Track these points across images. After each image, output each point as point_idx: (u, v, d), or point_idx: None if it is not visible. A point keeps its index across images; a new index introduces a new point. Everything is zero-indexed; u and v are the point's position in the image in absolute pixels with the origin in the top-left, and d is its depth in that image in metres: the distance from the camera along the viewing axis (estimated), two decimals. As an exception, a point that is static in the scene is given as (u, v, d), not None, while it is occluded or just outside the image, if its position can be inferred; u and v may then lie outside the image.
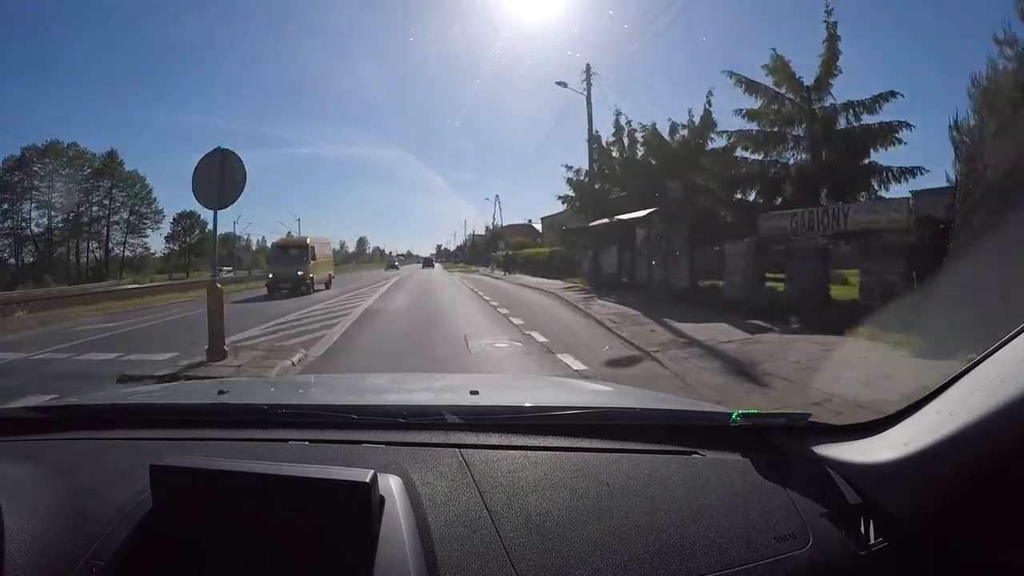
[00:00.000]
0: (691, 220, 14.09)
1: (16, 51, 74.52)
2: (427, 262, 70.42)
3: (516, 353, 7.55)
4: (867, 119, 12.44)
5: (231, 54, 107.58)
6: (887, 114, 12.32)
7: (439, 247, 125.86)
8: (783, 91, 13.23)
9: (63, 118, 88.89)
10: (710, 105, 17.92)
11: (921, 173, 11.94)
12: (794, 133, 13.25)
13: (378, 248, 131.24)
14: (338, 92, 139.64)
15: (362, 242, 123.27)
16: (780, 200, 13.21)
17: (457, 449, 1.03)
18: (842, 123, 12.71)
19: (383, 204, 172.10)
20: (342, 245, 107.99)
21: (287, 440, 1.12)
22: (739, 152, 14.23)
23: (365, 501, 0.78)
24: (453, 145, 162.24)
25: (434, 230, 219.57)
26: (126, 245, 62.13)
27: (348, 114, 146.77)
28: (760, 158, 13.65)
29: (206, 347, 7.14)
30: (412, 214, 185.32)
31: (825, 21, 12.60)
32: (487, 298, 16.11)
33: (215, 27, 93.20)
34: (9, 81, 68.61)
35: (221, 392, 1.44)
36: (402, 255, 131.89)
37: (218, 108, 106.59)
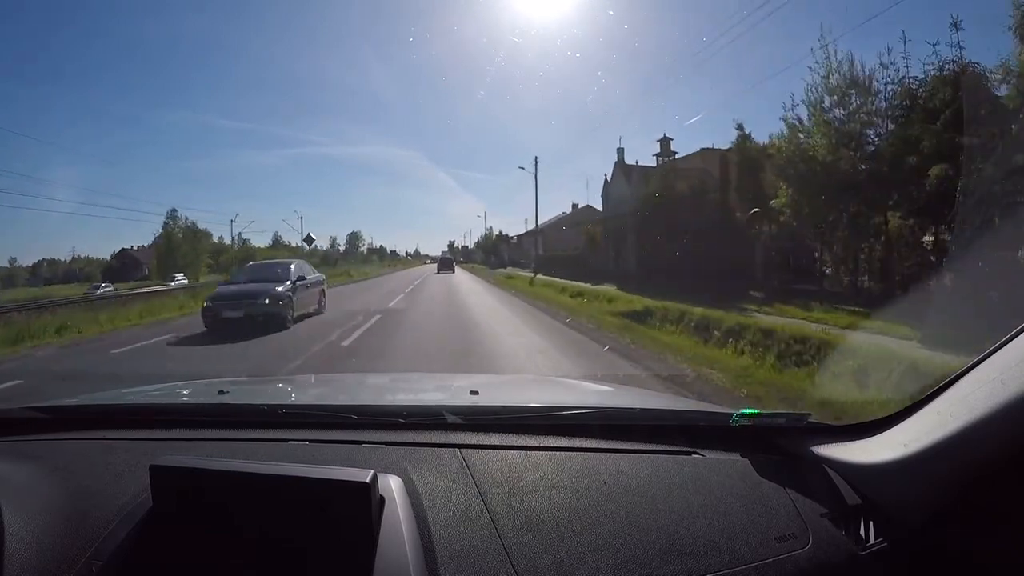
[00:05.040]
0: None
1: (25, 52, 74.67)
2: (444, 263, 43.95)
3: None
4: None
5: (241, 56, 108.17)
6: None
7: (451, 243, 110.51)
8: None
9: (72, 119, 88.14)
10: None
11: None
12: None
13: (379, 246, 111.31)
14: (343, 91, 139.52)
15: (354, 238, 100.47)
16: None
17: (457, 449, 1.03)
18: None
19: (388, 201, 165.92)
20: (333, 243, 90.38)
21: (287, 440, 1.12)
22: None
23: (365, 501, 0.78)
24: (462, 143, 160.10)
25: (443, 227, 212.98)
26: None
27: (353, 113, 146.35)
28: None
29: None
30: (419, 211, 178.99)
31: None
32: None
33: (226, 29, 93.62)
34: (17, 82, 68.55)
35: (221, 392, 1.44)
36: (410, 255, 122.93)
37: (229, 110, 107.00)
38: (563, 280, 23.01)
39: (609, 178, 30.58)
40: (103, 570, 0.80)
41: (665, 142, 27.81)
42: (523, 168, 33.72)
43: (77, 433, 1.24)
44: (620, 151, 30.46)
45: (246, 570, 0.79)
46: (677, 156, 26.21)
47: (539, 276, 27.80)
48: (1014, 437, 0.72)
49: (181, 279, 41.98)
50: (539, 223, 35.31)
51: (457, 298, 16.99)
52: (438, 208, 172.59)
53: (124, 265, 55.69)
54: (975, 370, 0.81)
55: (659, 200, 19.98)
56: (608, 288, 18.05)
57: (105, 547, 0.83)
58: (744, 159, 17.69)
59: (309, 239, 33.36)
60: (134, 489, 0.92)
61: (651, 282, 17.41)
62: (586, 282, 20.97)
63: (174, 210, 48.11)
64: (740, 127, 18.30)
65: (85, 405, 1.44)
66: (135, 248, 58.90)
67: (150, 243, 52.93)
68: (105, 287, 39.46)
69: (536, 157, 33.80)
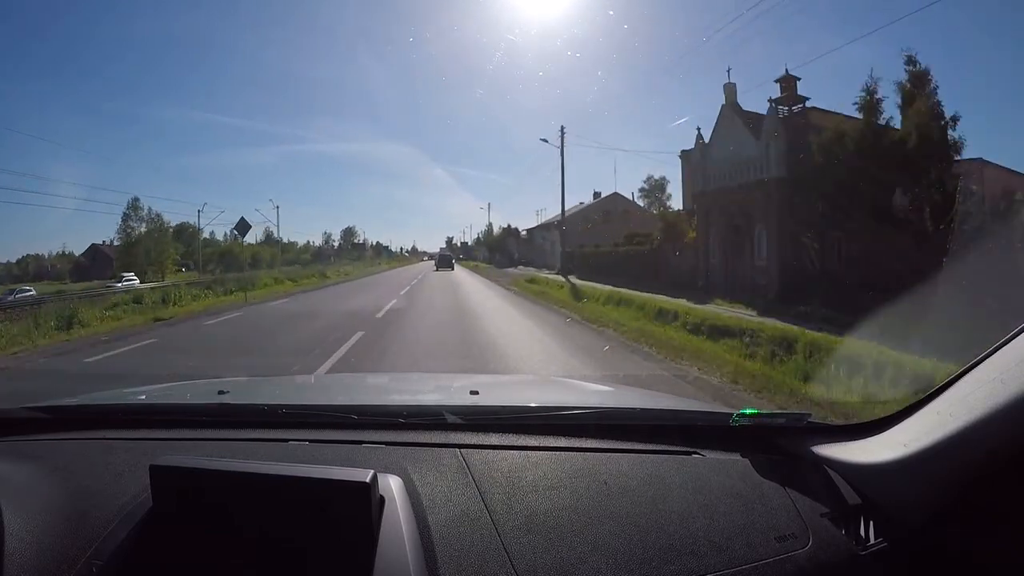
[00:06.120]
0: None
1: (21, 48, 74.13)
2: (443, 260, 42.32)
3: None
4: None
5: (237, 53, 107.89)
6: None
7: (449, 240, 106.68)
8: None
9: (70, 116, 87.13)
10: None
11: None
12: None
13: (375, 242, 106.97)
14: (340, 88, 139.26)
15: (348, 233, 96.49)
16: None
17: (457, 449, 1.03)
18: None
19: (385, 199, 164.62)
20: (327, 239, 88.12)
21: (287, 440, 1.12)
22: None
23: (365, 501, 0.78)
24: (460, 141, 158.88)
25: (441, 225, 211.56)
26: None
27: (350, 110, 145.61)
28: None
29: None
30: (416, 209, 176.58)
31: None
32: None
33: (221, 26, 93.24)
34: (14, 79, 67.99)
35: (221, 392, 1.44)
36: (407, 251, 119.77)
37: (227, 107, 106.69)
38: (620, 288, 13.75)
39: (707, 136, 17.68)
40: (103, 570, 0.80)
41: (788, 81, 15.89)
42: (546, 141, 26.78)
43: (77, 433, 1.24)
44: (730, 88, 16.83)
45: (246, 570, 0.79)
46: (807, 104, 15.58)
47: (574, 280, 19.18)
48: (1014, 437, 0.72)
49: (131, 279, 34.40)
50: (554, 215, 26.76)
51: (480, 342, 8.00)
52: (436, 206, 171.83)
53: (95, 262, 48.28)
54: (975, 370, 0.81)
55: (854, 158, 10.99)
56: (745, 313, 9.61)
57: (105, 547, 0.83)
58: (927, 109, 10.81)
59: (243, 226, 20.56)
60: (134, 489, 0.92)
61: (826, 304, 8.90)
62: (667, 294, 12.35)
63: (136, 199, 41.88)
64: (911, 60, 11.16)
65: (85, 405, 1.44)
66: (106, 244, 50.52)
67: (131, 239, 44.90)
68: (26, 291, 31.33)
69: (563, 127, 25.79)
